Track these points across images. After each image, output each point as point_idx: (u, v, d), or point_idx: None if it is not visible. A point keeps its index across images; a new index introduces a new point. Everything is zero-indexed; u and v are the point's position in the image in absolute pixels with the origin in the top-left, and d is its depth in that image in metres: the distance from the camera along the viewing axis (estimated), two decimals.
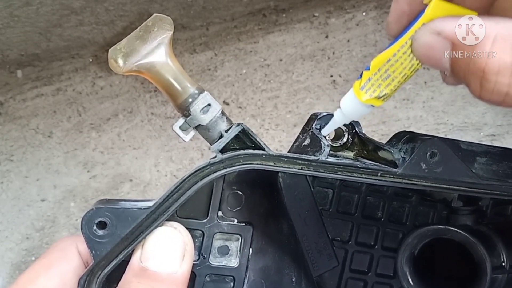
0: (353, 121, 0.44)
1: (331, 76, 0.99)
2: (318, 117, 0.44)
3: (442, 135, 0.94)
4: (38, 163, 0.95)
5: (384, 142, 0.47)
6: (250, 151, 0.39)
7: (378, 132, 0.94)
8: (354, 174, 0.41)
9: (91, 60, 1.01)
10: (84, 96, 0.98)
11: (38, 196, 0.93)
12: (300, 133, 0.46)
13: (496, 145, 0.48)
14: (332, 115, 0.43)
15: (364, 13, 1.02)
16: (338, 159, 0.41)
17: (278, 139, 0.96)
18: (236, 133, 0.40)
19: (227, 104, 0.97)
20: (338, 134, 0.44)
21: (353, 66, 0.99)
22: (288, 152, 0.46)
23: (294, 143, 0.47)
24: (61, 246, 0.40)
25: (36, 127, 0.97)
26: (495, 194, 0.43)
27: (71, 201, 0.93)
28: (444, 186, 0.41)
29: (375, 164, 0.42)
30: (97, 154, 0.95)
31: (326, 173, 0.40)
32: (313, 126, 0.44)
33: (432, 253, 0.49)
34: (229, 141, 0.39)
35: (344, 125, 0.44)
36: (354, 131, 0.45)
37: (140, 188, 0.93)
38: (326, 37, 1.01)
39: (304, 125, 0.46)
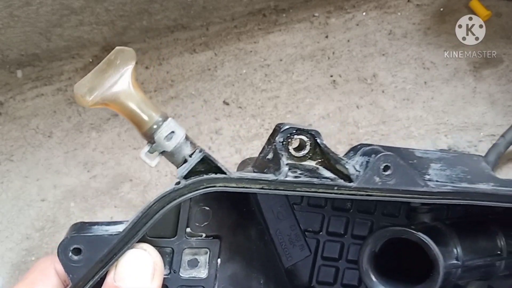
0: (314, 131, 0.45)
1: (331, 76, 0.99)
2: (281, 129, 0.45)
3: (442, 135, 0.94)
4: (38, 163, 0.95)
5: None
6: (213, 175, 0.41)
7: (378, 132, 0.94)
8: (312, 189, 0.43)
9: (91, 60, 1.01)
10: None
11: (38, 196, 0.93)
12: (266, 144, 0.48)
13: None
14: (296, 128, 0.44)
15: (364, 13, 1.02)
16: (295, 178, 0.42)
17: None
18: (198, 160, 0.41)
19: (227, 104, 0.97)
20: (301, 144, 0.45)
21: (353, 66, 0.99)
22: (256, 161, 0.49)
23: (260, 153, 0.48)
24: (41, 267, 0.43)
25: (36, 127, 0.97)
26: (447, 199, 0.45)
27: (71, 201, 0.93)
28: (398, 195, 0.43)
29: (330, 179, 0.43)
30: (97, 154, 0.95)
31: (286, 190, 0.42)
32: (276, 139, 0.45)
33: (398, 248, 0.51)
34: (196, 164, 0.41)
35: (306, 136, 0.45)
36: (315, 141, 0.46)
37: (140, 188, 0.93)
38: (326, 37, 1.01)
39: (270, 135, 0.47)
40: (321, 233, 0.57)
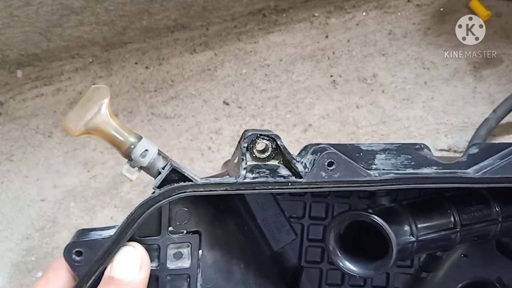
0: (274, 135, 0.51)
1: (331, 76, 0.99)
2: (245, 136, 0.51)
3: (442, 135, 0.94)
4: (38, 163, 0.95)
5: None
6: (182, 183, 0.48)
7: (378, 132, 0.94)
8: (269, 187, 0.49)
9: (91, 60, 1.01)
10: None
11: (38, 196, 0.93)
12: (236, 148, 0.54)
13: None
14: (258, 133, 0.50)
15: (364, 13, 1.02)
16: (253, 179, 0.49)
17: None
18: (168, 172, 0.48)
19: (227, 104, 0.97)
20: (266, 147, 0.52)
21: (353, 66, 0.99)
22: (229, 163, 0.55)
23: (232, 157, 0.54)
24: (55, 266, 0.51)
25: (36, 127, 0.97)
26: (391, 185, 0.51)
27: (71, 201, 0.93)
28: (344, 185, 0.49)
29: (284, 177, 0.50)
30: (97, 154, 0.95)
31: (247, 190, 0.49)
32: (241, 144, 0.51)
33: (364, 228, 0.56)
34: (167, 175, 0.48)
35: (267, 139, 0.51)
36: (276, 144, 0.52)
37: (140, 188, 0.93)
38: (326, 37, 1.01)
39: (238, 141, 0.53)
40: (304, 218, 0.65)
